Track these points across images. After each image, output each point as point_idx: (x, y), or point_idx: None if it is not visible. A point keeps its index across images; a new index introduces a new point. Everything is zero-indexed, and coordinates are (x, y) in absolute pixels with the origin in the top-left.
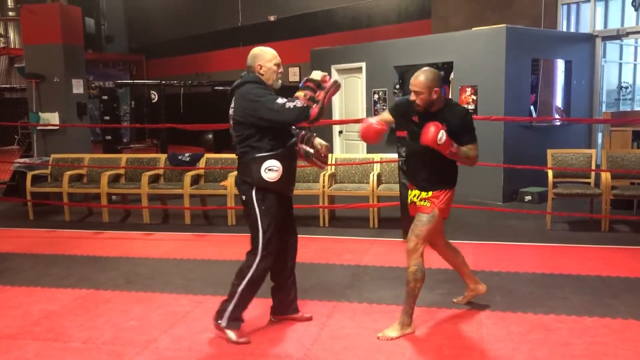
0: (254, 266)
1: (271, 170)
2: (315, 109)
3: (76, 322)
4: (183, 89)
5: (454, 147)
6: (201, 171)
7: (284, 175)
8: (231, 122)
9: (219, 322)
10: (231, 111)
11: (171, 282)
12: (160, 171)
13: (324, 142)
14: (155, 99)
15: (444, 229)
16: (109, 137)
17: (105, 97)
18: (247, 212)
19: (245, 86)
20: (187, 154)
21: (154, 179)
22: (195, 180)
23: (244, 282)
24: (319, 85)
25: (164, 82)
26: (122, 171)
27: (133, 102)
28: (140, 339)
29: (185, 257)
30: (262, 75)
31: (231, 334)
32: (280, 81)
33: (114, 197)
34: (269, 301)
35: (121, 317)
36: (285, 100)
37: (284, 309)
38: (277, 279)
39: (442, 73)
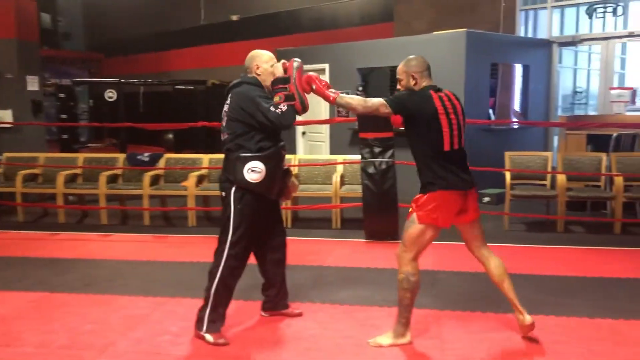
0: (222, 265)
1: (254, 171)
2: (297, 104)
3: (30, 326)
4: (143, 87)
5: (328, 90)
6: (161, 171)
7: (266, 178)
8: (224, 119)
9: (200, 330)
10: (226, 108)
11: (130, 284)
12: (119, 171)
13: (296, 182)
14: (114, 98)
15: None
16: (65, 136)
17: (62, 95)
18: (223, 208)
19: (243, 86)
20: (146, 154)
21: (113, 179)
22: (154, 181)
23: (215, 283)
24: (286, 80)
25: (123, 80)
26: (79, 171)
27: (91, 101)
28: (98, 342)
29: (144, 258)
30: (259, 75)
31: (209, 337)
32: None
33: (70, 198)
34: (237, 303)
35: (78, 321)
36: (272, 107)
37: (273, 305)
38: (265, 276)
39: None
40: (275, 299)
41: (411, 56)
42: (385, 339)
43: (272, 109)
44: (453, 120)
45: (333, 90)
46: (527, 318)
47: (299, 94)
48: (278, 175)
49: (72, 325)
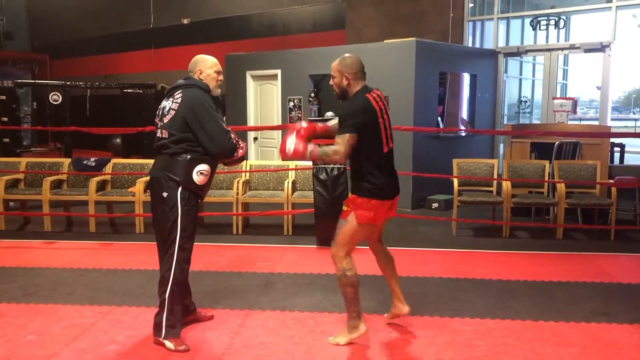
0: (173, 267)
1: (202, 173)
2: (240, 152)
3: None
4: (90, 90)
5: (308, 153)
6: (108, 177)
7: (209, 180)
8: (168, 118)
9: (159, 336)
10: (173, 105)
11: (74, 293)
12: (64, 176)
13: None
14: (60, 101)
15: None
16: (7, 140)
17: (3, 97)
18: (166, 210)
19: (194, 90)
20: (92, 159)
21: (57, 185)
22: (101, 186)
23: (169, 287)
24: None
25: (68, 82)
26: (21, 176)
27: (35, 103)
28: (38, 354)
29: (90, 266)
30: (201, 80)
31: (169, 344)
32: (219, 89)
33: (11, 204)
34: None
35: (18, 332)
36: (229, 130)
37: (187, 311)
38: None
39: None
40: (187, 304)
41: (346, 54)
42: (342, 337)
43: (224, 125)
44: (386, 120)
45: (311, 146)
46: (406, 308)
47: (238, 160)
48: (212, 175)
49: (11, 337)
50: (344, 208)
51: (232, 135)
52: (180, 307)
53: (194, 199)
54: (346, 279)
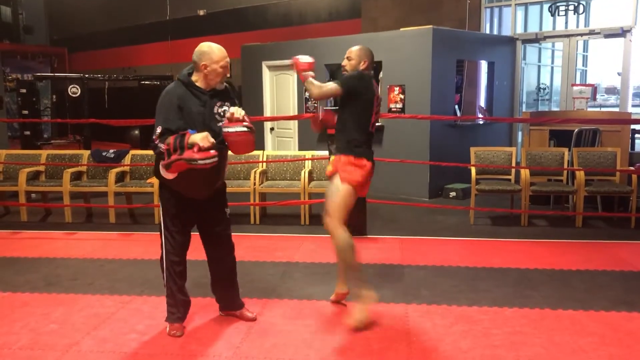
0: (163, 259)
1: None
2: (164, 162)
3: None
4: (108, 83)
5: (306, 72)
6: (126, 168)
7: (184, 176)
8: None
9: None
10: None
11: (95, 283)
12: (83, 168)
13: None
14: (78, 93)
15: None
16: (27, 133)
17: (23, 91)
18: None
19: (171, 84)
20: (111, 150)
21: (77, 176)
22: (120, 178)
23: (164, 275)
24: (182, 146)
25: (87, 75)
26: (42, 168)
27: (54, 96)
28: (61, 342)
29: (109, 257)
30: (206, 75)
31: (167, 327)
32: (224, 83)
33: (33, 195)
34: (199, 300)
35: (40, 321)
36: (159, 132)
37: (226, 305)
38: (212, 276)
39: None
40: (225, 299)
41: (364, 46)
42: (360, 313)
43: (157, 130)
44: (376, 107)
45: (311, 73)
46: (345, 288)
47: (169, 164)
48: (197, 176)
49: (34, 326)
50: (329, 168)
51: (158, 144)
52: (179, 293)
53: (172, 196)
54: (346, 244)
